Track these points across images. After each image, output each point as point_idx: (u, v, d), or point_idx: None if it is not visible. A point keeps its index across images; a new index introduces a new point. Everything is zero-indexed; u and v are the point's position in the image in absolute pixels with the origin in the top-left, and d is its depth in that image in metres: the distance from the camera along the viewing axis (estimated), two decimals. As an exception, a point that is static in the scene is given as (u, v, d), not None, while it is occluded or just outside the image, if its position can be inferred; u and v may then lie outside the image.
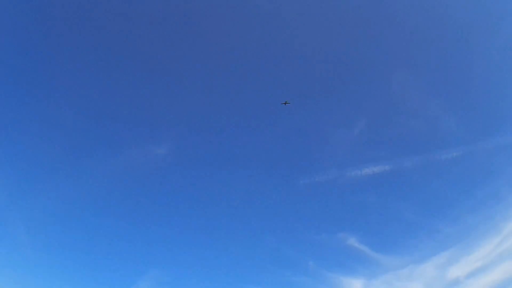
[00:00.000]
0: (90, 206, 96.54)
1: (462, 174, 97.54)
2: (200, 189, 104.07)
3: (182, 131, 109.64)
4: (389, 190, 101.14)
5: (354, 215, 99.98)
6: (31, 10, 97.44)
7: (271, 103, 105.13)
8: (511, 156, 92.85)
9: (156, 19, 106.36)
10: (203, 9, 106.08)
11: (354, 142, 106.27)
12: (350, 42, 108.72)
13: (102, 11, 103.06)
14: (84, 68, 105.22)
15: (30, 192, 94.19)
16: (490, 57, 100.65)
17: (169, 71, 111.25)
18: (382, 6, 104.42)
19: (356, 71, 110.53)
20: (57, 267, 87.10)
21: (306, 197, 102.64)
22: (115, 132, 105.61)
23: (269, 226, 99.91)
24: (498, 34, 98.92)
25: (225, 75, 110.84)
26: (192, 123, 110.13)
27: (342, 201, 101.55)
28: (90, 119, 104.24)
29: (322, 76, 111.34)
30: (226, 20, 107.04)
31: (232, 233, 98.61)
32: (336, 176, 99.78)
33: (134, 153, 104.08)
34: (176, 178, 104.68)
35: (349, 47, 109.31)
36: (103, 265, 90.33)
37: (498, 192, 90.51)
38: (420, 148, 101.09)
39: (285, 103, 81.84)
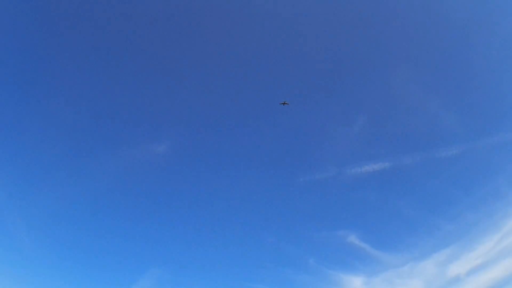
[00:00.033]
0: (90, 204, 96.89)
1: (462, 172, 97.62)
2: (199, 187, 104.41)
3: (182, 129, 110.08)
4: (389, 187, 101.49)
5: (354, 213, 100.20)
6: (31, 9, 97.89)
7: (270, 101, 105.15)
8: (511, 153, 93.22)
9: (156, 17, 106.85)
10: (203, 8, 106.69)
11: (354, 139, 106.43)
12: (350, 39, 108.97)
13: (103, 10, 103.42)
14: (84, 67, 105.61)
15: (30, 190, 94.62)
16: (490, 55, 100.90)
17: (169, 70, 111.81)
18: (381, 3, 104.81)
19: (355, 68, 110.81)
20: (58, 266, 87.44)
21: (306, 194, 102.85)
22: (115, 130, 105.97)
23: (269, 224, 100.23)
24: (498, 32, 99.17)
25: (224, 73, 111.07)
26: (192, 121, 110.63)
27: (342, 198, 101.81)
28: (90, 117, 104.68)
29: (321, 73, 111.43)
30: (226, 18, 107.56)
31: (232, 231, 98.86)
32: (336, 173, 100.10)
33: (134, 151, 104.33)
34: (176, 176, 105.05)
35: (348, 44, 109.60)
36: (104, 263, 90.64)
37: (498, 189, 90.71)
38: (420, 145, 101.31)
39: (283, 104, 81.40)
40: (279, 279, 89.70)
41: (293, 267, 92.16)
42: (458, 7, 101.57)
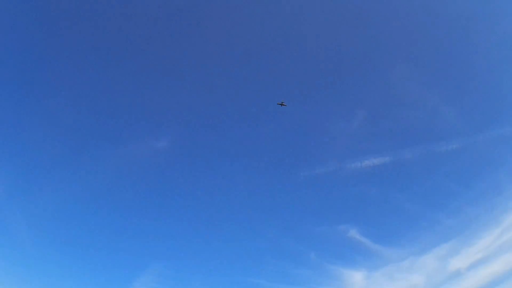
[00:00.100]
0: (91, 201, 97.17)
1: (462, 166, 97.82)
2: (200, 183, 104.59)
3: (182, 125, 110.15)
4: (389, 182, 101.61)
5: (355, 207, 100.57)
6: (31, 8, 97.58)
7: (271, 96, 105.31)
8: (511, 147, 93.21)
9: (156, 15, 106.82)
10: (203, 7, 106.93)
11: (354, 134, 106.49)
12: (349, 36, 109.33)
13: (102, 7, 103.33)
14: (84, 64, 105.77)
15: (30, 187, 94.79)
16: (488, 50, 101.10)
17: (169, 66, 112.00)
18: (381, 0, 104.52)
19: (355, 64, 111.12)
20: (60, 263, 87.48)
21: (306, 189, 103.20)
22: (115, 127, 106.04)
23: (269, 219, 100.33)
24: (497, 26, 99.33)
25: (224, 69, 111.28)
26: (192, 117, 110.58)
27: (343, 193, 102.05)
28: (90, 114, 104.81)
29: (321, 69, 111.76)
30: (225, 15, 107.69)
31: (233, 226, 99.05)
32: (336, 168, 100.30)
33: (135, 147, 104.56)
34: (177, 172, 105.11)
35: (348, 41, 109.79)
36: (105, 259, 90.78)
37: (499, 183, 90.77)
38: (420, 140, 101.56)
39: (281, 104, 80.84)
40: (280, 274, 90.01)
41: (294, 261, 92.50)
42: (457, 4, 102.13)
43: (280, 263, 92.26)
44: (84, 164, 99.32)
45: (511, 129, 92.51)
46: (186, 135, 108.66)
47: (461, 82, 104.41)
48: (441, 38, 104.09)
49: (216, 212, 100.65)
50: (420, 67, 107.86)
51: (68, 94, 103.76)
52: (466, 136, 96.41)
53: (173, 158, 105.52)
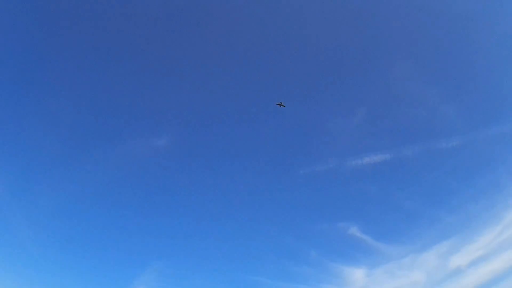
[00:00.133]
0: (91, 199, 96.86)
1: (462, 163, 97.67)
2: (200, 181, 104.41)
3: (182, 123, 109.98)
4: (390, 179, 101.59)
5: (355, 205, 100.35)
6: (30, 6, 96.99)
7: (270, 94, 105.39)
8: (511, 145, 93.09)
9: (157, 14, 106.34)
10: (204, 6, 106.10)
11: (354, 131, 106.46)
12: (350, 33, 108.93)
13: (102, 6, 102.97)
14: (84, 63, 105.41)
15: (31, 186, 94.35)
16: (489, 47, 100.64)
17: (168, 64, 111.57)
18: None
19: (355, 61, 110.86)
20: (60, 261, 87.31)
21: (306, 187, 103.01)
22: (115, 125, 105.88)
23: (270, 216, 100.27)
24: (497, 25, 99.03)
25: (224, 67, 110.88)
26: (192, 115, 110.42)
27: (343, 190, 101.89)
28: (90, 113, 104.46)
29: (321, 67, 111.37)
30: (224, 12, 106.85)
31: (233, 224, 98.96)
32: (337, 165, 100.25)
33: (135, 145, 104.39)
34: (177, 170, 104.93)
35: (348, 38, 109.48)
36: (106, 258, 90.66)
37: (499, 181, 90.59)
38: (420, 137, 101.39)
39: (280, 105, 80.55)
40: (280, 272, 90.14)
41: (294, 259, 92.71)
42: (457, 2, 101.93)
43: (281, 261, 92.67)
44: (84, 163, 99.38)
45: (511, 126, 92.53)
46: (186, 133, 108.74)
47: (461, 79, 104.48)
48: (441, 36, 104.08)
49: (216, 210, 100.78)
50: (420, 65, 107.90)
51: (68, 93, 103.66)
52: (466, 133, 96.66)
53: (173, 156, 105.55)
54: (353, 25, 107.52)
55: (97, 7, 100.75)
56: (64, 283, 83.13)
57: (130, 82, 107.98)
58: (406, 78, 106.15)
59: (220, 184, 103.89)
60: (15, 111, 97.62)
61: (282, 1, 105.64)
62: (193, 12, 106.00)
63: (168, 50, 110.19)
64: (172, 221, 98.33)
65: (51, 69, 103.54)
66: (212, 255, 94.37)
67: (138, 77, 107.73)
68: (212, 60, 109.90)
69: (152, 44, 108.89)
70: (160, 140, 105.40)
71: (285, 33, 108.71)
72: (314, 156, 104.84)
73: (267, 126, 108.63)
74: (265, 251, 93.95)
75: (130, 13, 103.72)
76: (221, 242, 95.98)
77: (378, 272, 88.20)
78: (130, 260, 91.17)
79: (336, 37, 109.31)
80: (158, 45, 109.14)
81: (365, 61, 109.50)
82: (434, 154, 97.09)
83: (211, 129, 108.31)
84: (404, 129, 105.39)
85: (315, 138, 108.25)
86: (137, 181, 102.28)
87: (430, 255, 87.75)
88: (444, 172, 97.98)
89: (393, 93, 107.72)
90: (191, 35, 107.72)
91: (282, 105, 79.93)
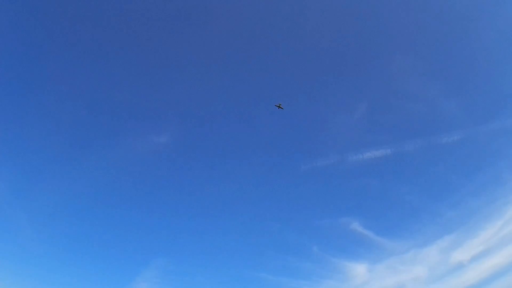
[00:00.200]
0: (93, 197, 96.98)
1: (463, 158, 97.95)
2: (202, 177, 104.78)
3: (184, 119, 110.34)
4: (391, 174, 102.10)
5: (357, 200, 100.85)
6: (30, 6, 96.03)
7: (272, 90, 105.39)
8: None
9: (158, 12, 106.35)
10: (205, 4, 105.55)
11: (355, 127, 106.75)
12: (350, 28, 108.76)
13: (102, 4, 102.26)
14: (85, 61, 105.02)
15: (32, 184, 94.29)
16: (490, 41, 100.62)
17: (170, 62, 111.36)
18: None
19: (355, 56, 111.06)
20: (62, 259, 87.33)
21: (308, 182, 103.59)
22: (116, 123, 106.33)
23: (271, 212, 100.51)
24: (498, 20, 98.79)
25: (225, 63, 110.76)
26: (193, 112, 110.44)
27: (344, 186, 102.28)
28: (90, 111, 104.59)
29: (322, 62, 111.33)
30: (224, 11, 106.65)
31: (235, 220, 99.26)
32: (338, 161, 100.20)
33: (136, 143, 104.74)
34: (178, 167, 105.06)
35: (348, 33, 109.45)
36: (108, 255, 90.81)
37: (500, 175, 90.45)
38: (421, 131, 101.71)
39: (278, 107, 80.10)
40: (282, 267, 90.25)
41: (296, 255, 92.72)
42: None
43: (283, 256, 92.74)
44: (85, 161, 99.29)
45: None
46: (188, 130, 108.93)
47: (463, 74, 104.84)
48: (442, 31, 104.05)
49: (217, 207, 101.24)
50: (421, 60, 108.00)
51: (68, 91, 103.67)
52: (467, 128, 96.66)
53: (174, 153, 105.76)
54: (353, 20, 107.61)
55: (97, 6, 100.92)
56: (67, 281, 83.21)
57: (131, 81, 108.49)
58: (406, 73, 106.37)
59: (222, 181, 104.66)
60: (15, 110, 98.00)
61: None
62: (194, 9, 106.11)
63: (169, 47, 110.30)
64: (174, 218, 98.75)
65: (50, 68, 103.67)
66: (214, 252, 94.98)
67: (139, 75, 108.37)
68: (213, 56, 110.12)
69: (152, 42, 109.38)
70: (161, 137, 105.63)
71: (285, 30, 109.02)
72: (315, 152, 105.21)
73: (268, 123, 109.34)
74: (267, 247, 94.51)
75: (130, 11, 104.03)
76: (223, 239, 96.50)
77: (380, 267, 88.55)
78: (133, 257, 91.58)
79: (337, 33, 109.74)
80: (159, 43, 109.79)
81: (365, 57, 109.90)
82: (435, 149, 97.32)
83: (212, 126, 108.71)
84: (405, 124, 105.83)
85: (316, 134, 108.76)
86: (139, 179, 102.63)
87: (431, 250, 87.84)
88: (445, 167, 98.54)
89: (393, 88, 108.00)
90: (192, 33, 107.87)
91: (281, 107, 79.59)
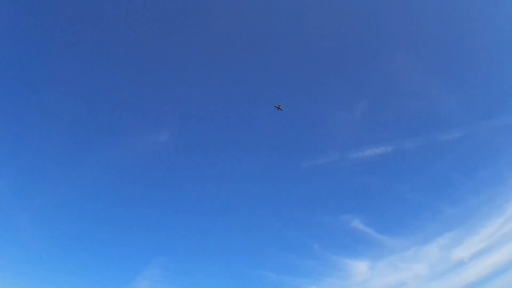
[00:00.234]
0: (93, 196, 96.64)
1: (463, 155, 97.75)
2: (203, 176, 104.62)
3: (184, 118, 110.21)
4: (392, 171, 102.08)
5: (357, 197, 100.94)
6: (30, 6, 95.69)
7: (272, 88, 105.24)
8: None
9: (157, 11, 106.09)
10: (204, 3, 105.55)
11: (355, 124, 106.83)
12: (351, 25, 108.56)
13: (102, 3, 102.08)
14: (85, 60, 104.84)
15: (32, 183, 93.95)
16: (490, 39, 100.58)
17: (170, 60, 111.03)
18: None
19: (356, 54, 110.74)
20: (63, 258, 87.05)
21: (308, 180, 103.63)
22: (116, 121, 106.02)
23: (272, 210, 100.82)
24: (498, 16, 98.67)
25: (225, 62, 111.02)
26: (193, 110, 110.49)
27: (345, 183, 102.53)
28: (90, 110, 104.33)
29: (322, 60, 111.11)
30: (223, 10, 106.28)
31: (236, 218, 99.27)
32: (338, 158, 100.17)
33: (136, 141, 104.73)
34: (179, 165, 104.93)
35: (349, 30, 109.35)
36: (108, 254, 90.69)
37: (501, 172, 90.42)
38: (422, 129, 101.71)
39: (278, 107, 79.97)
40: (283, 265, 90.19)
41: (297, 253, 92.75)
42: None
43: (284, 254, 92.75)
44: (85, 160, 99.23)
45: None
46: (188, 129, 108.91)
47: (462, 72, 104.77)
48: (442, 28, 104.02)
49: (218, 205, 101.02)
50: (421, 58, 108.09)
51: (68, 90, 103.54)
52: (467, 125, 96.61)
53: (174, 152, 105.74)
54: (353, 19, 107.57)
55: (97, 5, 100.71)
56: (68, 280, 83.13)
57: (131, 80, 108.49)
58: (407, 71, 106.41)
59: (222, 179, 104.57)
60: (15, 110, 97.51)
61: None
62: (194, 9, 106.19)
63: (169, 47, 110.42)
64: (175, 216, 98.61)
65: (50, 68, 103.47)
66: (215, 250, 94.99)
67: (139, 74, 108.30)
68: (212, 55, 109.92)
69: (152, 42, 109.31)
70: (161, 136, 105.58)
71: (285, 28, 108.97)
72: (316, 150, 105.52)
73: (268, 120, 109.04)
74: (268, 245, 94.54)
75: (130, 11, 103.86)
76: (224, 237, 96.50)
77: (381, 265, 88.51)
78: (133, 256, 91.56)
79: (337, 31, 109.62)
80: (159, 42, 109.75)
81: (365, 55, 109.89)
82: (436, 146, 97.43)
83: (212, 125, 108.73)
84: (405, 122, 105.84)
85: (316, 132, 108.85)
86: (139, 178, 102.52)
87: (432, 247, 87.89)
88: (445, 164, 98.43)
89: (394, 86, 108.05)
90: (192, 32, 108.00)
91: (280, 109, 79.57)
